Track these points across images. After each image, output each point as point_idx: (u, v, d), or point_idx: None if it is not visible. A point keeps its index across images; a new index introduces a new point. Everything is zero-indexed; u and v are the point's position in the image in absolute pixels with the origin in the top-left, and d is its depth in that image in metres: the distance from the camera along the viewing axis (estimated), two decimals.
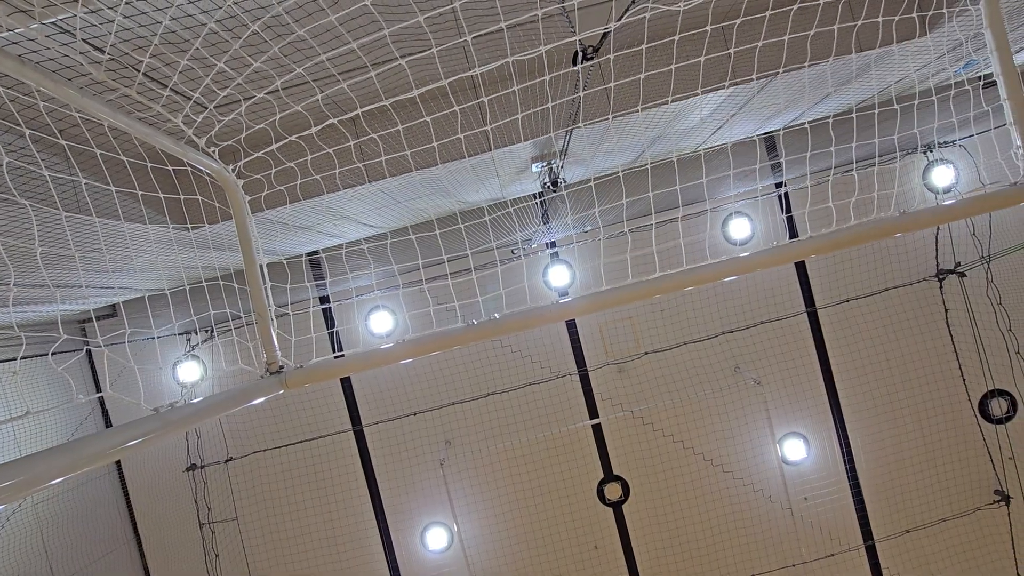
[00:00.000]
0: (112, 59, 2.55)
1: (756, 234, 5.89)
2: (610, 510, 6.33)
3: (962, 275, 5.90)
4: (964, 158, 5.55)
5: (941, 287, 6.08)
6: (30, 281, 3.55)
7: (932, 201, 5.32)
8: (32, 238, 2.05)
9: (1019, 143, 2.39)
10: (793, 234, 5.57)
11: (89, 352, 4.99)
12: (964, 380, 6.08)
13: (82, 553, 5.50)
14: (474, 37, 2.57)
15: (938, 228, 5.80)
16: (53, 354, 1.95)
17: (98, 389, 5.49)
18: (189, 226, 3.12)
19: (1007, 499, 6.05)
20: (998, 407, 5.92)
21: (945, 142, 5.55)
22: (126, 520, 6.19)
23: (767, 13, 2.65)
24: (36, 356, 4.48)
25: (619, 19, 2.72)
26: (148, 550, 6.23)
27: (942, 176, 5.56)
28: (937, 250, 5.99)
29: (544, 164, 4.52)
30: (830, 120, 3.18)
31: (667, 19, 2.89)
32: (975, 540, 6.10)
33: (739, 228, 5.89)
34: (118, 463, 6.09)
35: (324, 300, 5.46)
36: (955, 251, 5.89)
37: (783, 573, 6.13)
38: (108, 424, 5.87)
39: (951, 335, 6.11)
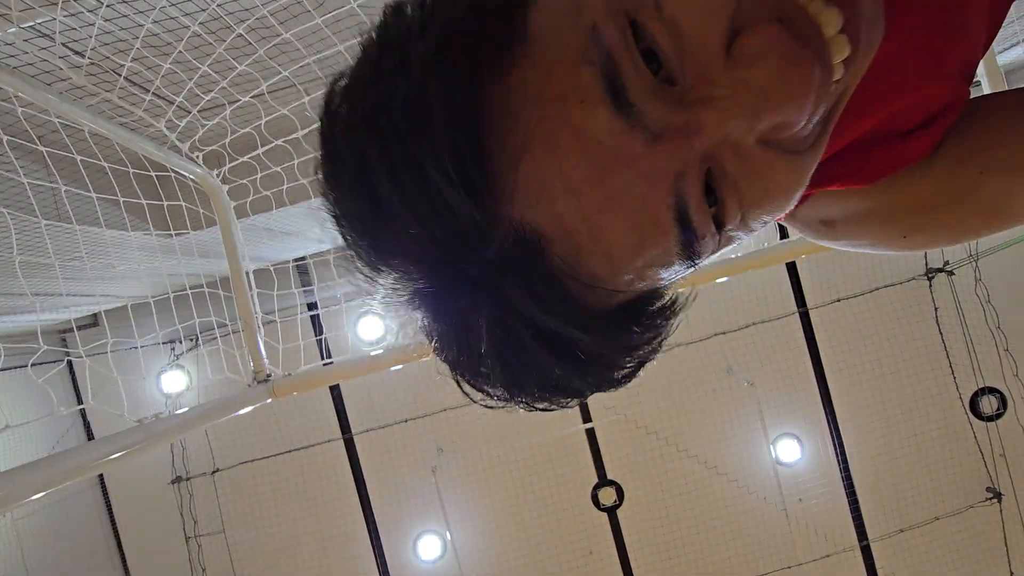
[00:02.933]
0: (92, 63, 2.49)
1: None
2: (605, 515, 6.29)
3: (951, 273, 5.96)
4: None
5: (930, 286, 6.14)
6: (8, 290, 3.46)
7: None
8: (10, 247, 2.00)
9: None
10: (784, 235, 5.58)
11: (70, 363, 4.88)
12: (955, 378, 6.13)
13: (64, 570, 5.37)
14: None
15: None
16: (33, 365, 1.90)
17: (79, 401, 5.38)
18: (173, 233, 3.06)
19: (999, 496, 6.09)
20: (988, 404, 5.97)
21: None
22: (109, 535, 6.06)
23: None
24: (15, 368, 4.37)
25: None
26: (132, 565, 6.10)
27: None
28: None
29: None
30: None
31: None
32: (968, 538, 6.13)
33: None
34: (101, 476, 5.97)
35: (312, 306, 5.39)
36: (943, 250, 5.95)
37: (779, 575, 6.13)
38: (90, 437, 5.75)
39: (941, 333, 6.16)
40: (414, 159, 0.31)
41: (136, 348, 2.64)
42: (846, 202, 0.59)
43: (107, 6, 2.29)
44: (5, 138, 2.05)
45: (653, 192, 0.32)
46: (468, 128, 0.31)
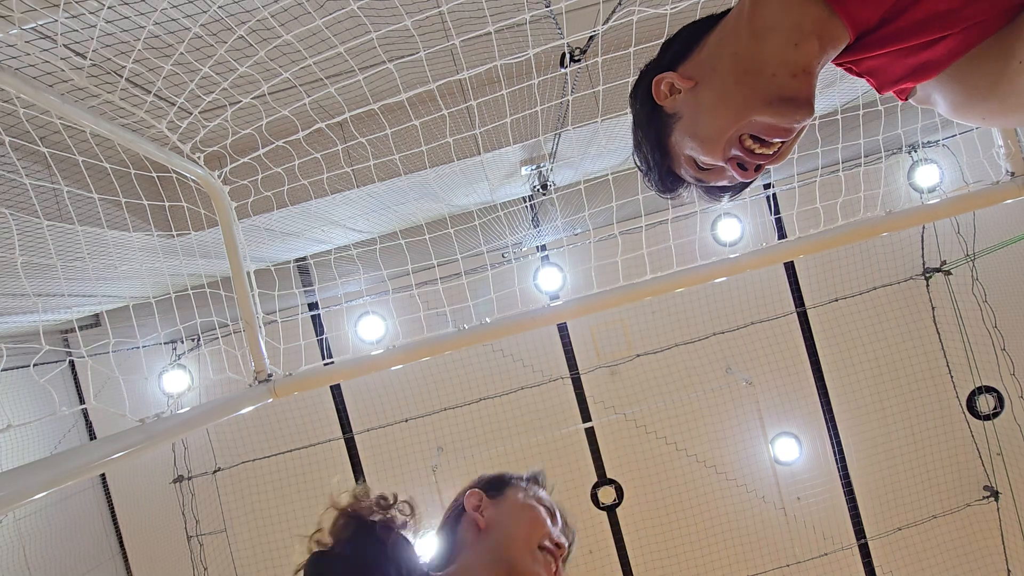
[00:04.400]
0: (94, 64, 2.50)
1: (745, 235, 5.93)
2: (604, 514, 6.31)
3: (948, 273, 5.97)
4: (947, 157, 5.63)
5: (928, 285, 6.15)
6: (10, 291, 3.48)
7: (917, 200, 5.37)
8: (12, 247, 2.01)
9: (1000, 142, 2.42)
10: (782, 235, 5.60)
11: (72, 363, 4.90)
12: (952, 377, 6.15)
13: (66, 569, 5.38)
14: (462, 41, 2.56)
15: (923, 227, 5.87)
16: (35, 365, 1.91)
17: (81, 401, 5.39)
18: (174, 233, 3.07)
19: (996, 495, 6.11)
20: (985, 404, 5.99)
21: (929, 142, 5.62)
22: (111, 534, 6.08)
23: None
24: (17, 368, 4.39)
25: (606, 22, 2.73)
26: (134, 565, 6.12)
27: (926, 175, 5.63)
28: (923, 249, 6.06)
29: (533, 167, 4.52)
30: (816, 121, 3.21)
31: (654, 22, 2.90)
32: (966, 536, 6.16)
33: (728, 229, 5.92)
34: (103, 476, 5.98)
35: (312, 307, 5.40)
36: (940, 250, 5.97)
37: (777, 573, 6.15)
38: (92, 437, 5.76)
39: (938, 333, 6.17)
40: (653, 163, 1.07)
41: (138, 348, 2.65)
42: (942, 91, 0.77)
43: (108, 8, 2.30)
44: (7, 139, 2.07)
45: (718, 163, 0.94)
46: (663, 158, 1.03)
